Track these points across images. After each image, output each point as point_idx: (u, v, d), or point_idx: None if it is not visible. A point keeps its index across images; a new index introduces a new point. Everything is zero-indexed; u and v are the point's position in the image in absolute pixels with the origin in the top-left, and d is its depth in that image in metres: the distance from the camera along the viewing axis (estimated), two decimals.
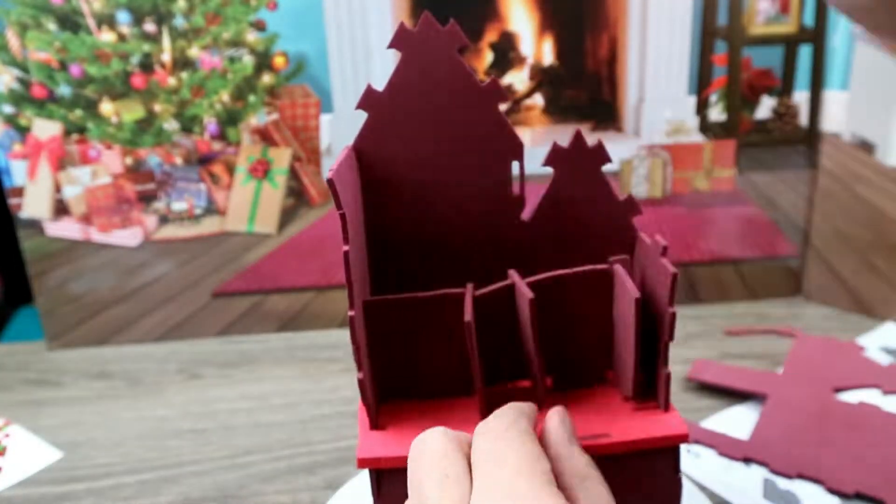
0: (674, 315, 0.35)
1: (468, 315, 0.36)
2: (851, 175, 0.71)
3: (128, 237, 0.69)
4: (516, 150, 0.40)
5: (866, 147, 0.70)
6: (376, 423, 0.37)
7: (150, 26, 0.64)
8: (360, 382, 0.36)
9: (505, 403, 0.36)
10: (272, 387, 0.64)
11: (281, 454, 0.55)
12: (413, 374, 0.39)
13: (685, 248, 0.74)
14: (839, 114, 0.70)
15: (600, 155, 0.39)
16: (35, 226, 0.68)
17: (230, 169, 0.69)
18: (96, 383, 0.66)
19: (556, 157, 0.39)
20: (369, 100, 0.38)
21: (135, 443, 0.57)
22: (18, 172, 0.67)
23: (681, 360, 0.63)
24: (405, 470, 0.32)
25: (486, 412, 0.36)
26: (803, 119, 0.72)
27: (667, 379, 0.37)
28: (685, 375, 0.60)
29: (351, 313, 0.35)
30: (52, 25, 0.63)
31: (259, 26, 0.65)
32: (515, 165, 0.40)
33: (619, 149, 0.71)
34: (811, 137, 0.72)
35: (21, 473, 0.54)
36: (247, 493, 0.51)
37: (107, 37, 0.64)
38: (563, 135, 0.71)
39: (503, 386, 0.40)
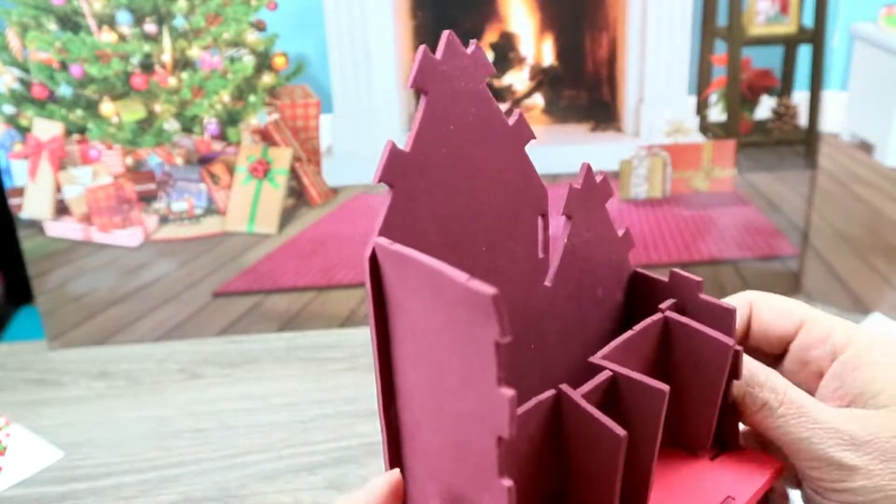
0: (739, 352, 0.31)
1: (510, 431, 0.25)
2: (850, 175, 0.71)
3: (128, 237, 0.70)
4: (541, 202, 0.31)
5: (865, 147, 0.70)
6: None
7: (150, 27, 0.64)
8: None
9: None
10: (273, 386, 0.64)
11: (282, 454, 0.55)
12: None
13: (684, 248, 0.74)
14: (838, 114, 0.70)
15: (606, 190, 0.33)
16: (36, 226, 0.68)
17: (230, 169, 0.69)
18: (97, 383, 0.66)
19: (574, 202, 0.32)
20: (396, 166, 0.26)
21: (135, 442, 0.57)
22: (19, 173, 0.67)
23: None
24: None
25: None
26: (802, 119, 0.72)
27: (735, 419, 0.33)
28: None
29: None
30: (52, 26, 0.63)
31: (259, 26, 0.65)
32: None
33: (618, 149, 0.71)
34: (810, 137, 0.72)
35: (22, 473, 0.54)
36: (247, 492, 0.51)
37: (107, 37, 0.64)
38: (563, 135, 0.72)
39: None
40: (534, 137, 0.31)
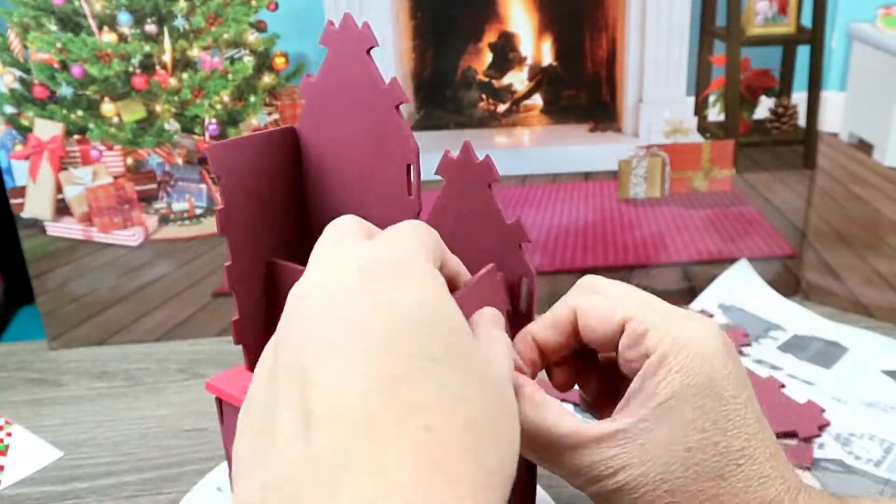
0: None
1: None
2: (849, 175, 0.71)
3: (129, 237, 0.70)
4: (410, 155, 0.40)
5: (864, 147, 0.70)
6: (253, 365, 0.41)
7: (150, 27, 0.64)
8: (236, 323, 0.42)
9: None
10: None
11: None
12: None
13: (683, 247, 0.74)
14: (837, 114, 0.71)
15: (487, 172, 0.38)
16: (36, 226, 0.68)
17: None
18: (97, 383, 0.66)
19: (448, 167, 0.40)
20: (306, 86, 0.42)
21: (136, 442, 0.57)
22: (20, 173, 0.67)
23: None
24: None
25: None
26: (801, 119, 0.72)
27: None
28: None
29: (227, 264, 0.41)
30: (53, 26, 0.63)
31: (259, 27, 0.65)
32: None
33: (617, 149, 0.71)
34: (809, 137, 0.72)
35: (22, 472, 0.54)
36: None
37: (108, 37, 0.64)
38: (563, 135, 0.72)
39: None
40: (405, 100, 0.39)
